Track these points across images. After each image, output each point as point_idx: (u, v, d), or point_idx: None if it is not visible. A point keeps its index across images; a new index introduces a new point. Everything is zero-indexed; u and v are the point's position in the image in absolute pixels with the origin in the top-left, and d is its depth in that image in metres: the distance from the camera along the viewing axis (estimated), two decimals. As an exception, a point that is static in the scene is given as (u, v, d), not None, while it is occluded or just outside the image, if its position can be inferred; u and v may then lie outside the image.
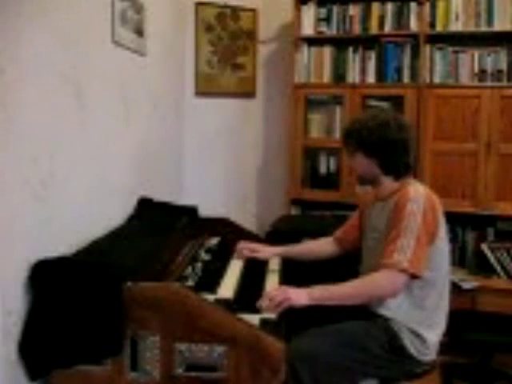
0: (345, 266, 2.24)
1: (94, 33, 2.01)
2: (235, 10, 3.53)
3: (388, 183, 1.82)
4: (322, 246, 2.16)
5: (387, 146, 1.78)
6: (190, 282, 1.82)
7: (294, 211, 3.36)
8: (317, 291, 1.67)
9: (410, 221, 1.66)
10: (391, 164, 1.80)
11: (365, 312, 1.77)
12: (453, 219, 2.98)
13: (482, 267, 3.01)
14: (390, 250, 1.66)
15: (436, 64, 3.10)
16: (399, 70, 3.15)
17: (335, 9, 3.23)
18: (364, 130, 1.78)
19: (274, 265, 2.18)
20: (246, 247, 2.22)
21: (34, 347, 1.55)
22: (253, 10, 3.57)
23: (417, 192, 1.72)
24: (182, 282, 1.77)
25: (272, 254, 2.20)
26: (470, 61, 3.04)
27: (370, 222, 1.91)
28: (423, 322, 1.73)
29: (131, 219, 2.31)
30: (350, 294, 1.67)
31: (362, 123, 1.80)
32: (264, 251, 2.19)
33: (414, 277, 1.66)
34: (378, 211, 1.84)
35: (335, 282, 1.71)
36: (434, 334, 1.76)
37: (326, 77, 3.29)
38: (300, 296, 1.65)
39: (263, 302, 1.66)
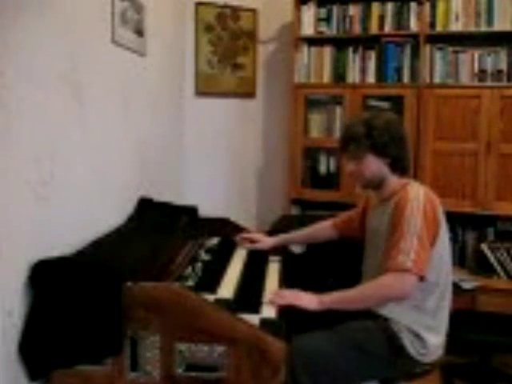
0: (347, 265, 2.25)
1: (94, 33, 2.01)
2: (235, 10, 3.53)
3: (392, 182, 1.81)
4: (321, 231, 2.20)
5: (396, 144, 1.78)
6: (190, 282, 1.82)
7: (294, 211, 3.36)
8: (327, 297, 1.68)
9: (411, 222, 1.65)
10: (400, 161, 1.80)
11: (365, 312, 1.76)
12: (453, 219, 2.98)
13: (482, 267, 3.01)
14: (393, 252, 1.65)
15: (436, 64, 3.10)
16: (399, 70, 3.15)
17: (335, 9, 3.23)
18: (373, 131, 1.76)
19: (274, 268, 2.19)
20: (245, 237, 2.29)
21: (34, 347, 1.55)
22: (253, 10, 3.57)
23: (416, 193, 1.71)
24: (181, 282, 1.77)
25: (272, 244, 2.24)
26: (470, 61, 3.04)
27: (371, 224, 1.91)
28: (423, 324, 1.73)
29: (131, 219, 2.31)
30: (359, 299, 1.67)
31: (367, 125, 1.77)
32: (264, 241, 2.25)
33: (420, 278, 1.65)
34: (380, 213, 1.83)
35: (337, 279, 1.72)
36: (435, 337, 1.74)
37: (326, 77, 3.29)
38: (311, 301, 1.68)
39: (272, 297, 1.72)
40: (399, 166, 1.81)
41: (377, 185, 1.84)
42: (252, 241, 2.28)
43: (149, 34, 2.61)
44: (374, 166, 1.79)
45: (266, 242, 2.25)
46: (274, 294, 1.76)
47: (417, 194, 1.70)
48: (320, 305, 1.67)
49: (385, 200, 1.82)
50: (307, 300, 1.68)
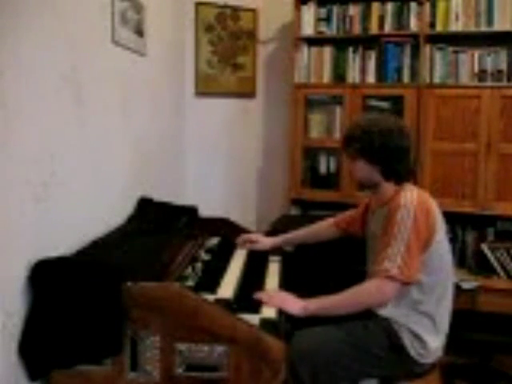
0: (349, 265, 2.25)
1: (94, 33, 2.01)
2: (235, 10, 3.53)
3: (388, 188, 1.81)
4: (322, 230, 2.20)
5: (389, 154, 1.76)
6: (190, 282, 1.82)
7: (294, 211, 3.36)
8: (312, 304, 1.70)
9: (401, 228, 1.65)
10: (393, 170, 1.79)
11: (365, 311, 1.76)
12: (453, 219, 2.98)
13: (482, 267, 3.01)
14: (381, 257, 1.67)
15: (436, 64, 3.10)
16: (399, 70, 3.15)
17: (335, 9, 3.23)
18: (366, 137, 1.75)
19: (274, 268, 2.19)
20: (245, 239, 2.28)
21: (34, 347, 1.55)
22: (253, 10, 3.57)
23: (408, 198, 1.70)
24: (182, 282, 1.77)
25: (271, 244, 2.24)
26: (470, 61, 3.04)
27: (371, 228, 1.91)
28: (423, 324, 1.73)
29: (131, 219, 2.31)
30: (341, 305, 1.69)
31: (364, 129, 1.76)
32: (262, 242, 2.24)
33: (406, 284, 1.66)
34: (378, 217, 1.83)
35: (337, 280, 1.72)
36: (434, 337, 1.74)
37: (326, 77, 3.29)
38: (295, 306, 1.70)
39: (260, 295, 1.75)
40: (393, 175, 1.79)
41: (372, 186, 1.85)
42: (251, 241, 2.28)
43: (149, 34, 2.61)
44: (364, 170, 1.80)
45: (265, 242, 2.25)
46: (265, 293, 1.79)
47: (409, 200, 1.69)
48: (304, 311, 1.69)
49: (382, 205, 1.82)
50: (292, 305, 1.71)
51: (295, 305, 1.70)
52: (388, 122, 1.80)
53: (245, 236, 2.32)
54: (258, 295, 1.76)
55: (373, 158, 1.77)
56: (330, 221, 2.19)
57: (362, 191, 1.94)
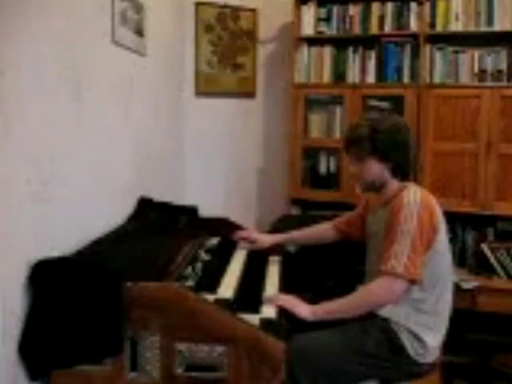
0: (349, 265, 2.24)
1: (93, 33, 2.01)
2: (235, 10, 3.53)
3: (392, 187, 1.81)
4: (322, 232, 2.20)
5: (401, 150, 1.77)
6: (190, 282, 1.81)
7: (294, 211, 3.36)
8: (319, 308, 1.71)
9: (405, 226, 1.65)
10: (402, 167, 1.79)
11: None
12: (453, 219, 2.98)
13: (482, 267, 3.01)
14: (385, 256, 1.67)
15: (436, 64, 3.10)
16: (399, 70, 3.15)
17: (335, 9, 3.23)
18: (377, 135, 1.75)
19: (274, 268, 2.19)
20: (244, 237, 2.28)
21: (34, 347, 1.55)
22: (253, 10, 3.57)
23: (412, 197, 1.70)
24: (182, 282, 1.77)
25: (270, 243, 2.24)
26: (470, 61, 3.04)
27: (372, 228, 1.91)
28: (422, 324, 1.73)
29: (131, 219, 2.31)
30: (350, 308, 1.70)
31: (373, 128, 1.76)
32: (261, 241, 2.24)
33: (412, 282, 1.66)
34: (380, 217, 1.83)
35: (337, 280, 1.72)
36: (434, 337, 1.74)
37: (326, 77, 3.29)
38: (304, 310, 1.71)
39: (269, 296, 1.76)
40: (401, 171, 1.80)
41: (377, 188, 1.84)
42: (250, 240, 2.28)
43: (149, 34, 2.61)
44: (376, 169, 1.79)
45: (264, 241, 2.24)
46: (272, 296, 1.79)
47: (412, 199, 1.69)
48: (312, 315, 1.70)
49: (385, 204, 1.82)
50: (300, 308, 1.71)
51: (303, 309, 1.71)
52: (393, 119, 1.82)
53: (243, 232, 2.32)
54: (267, 297, 1.77)
55: (385, 155, 1.76)
56: (330, 224, 2.18)
57: (366, 194, 1.93)
